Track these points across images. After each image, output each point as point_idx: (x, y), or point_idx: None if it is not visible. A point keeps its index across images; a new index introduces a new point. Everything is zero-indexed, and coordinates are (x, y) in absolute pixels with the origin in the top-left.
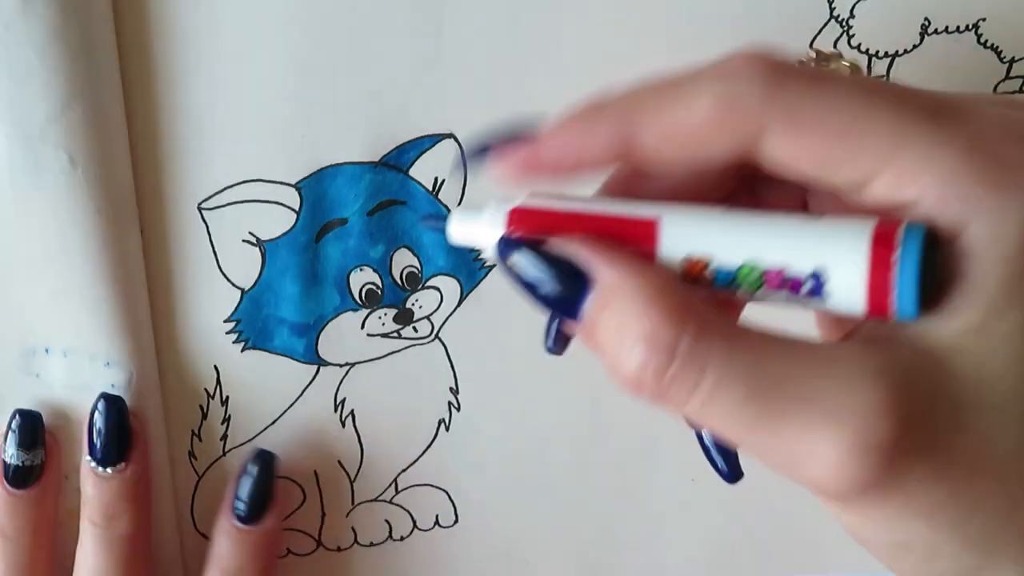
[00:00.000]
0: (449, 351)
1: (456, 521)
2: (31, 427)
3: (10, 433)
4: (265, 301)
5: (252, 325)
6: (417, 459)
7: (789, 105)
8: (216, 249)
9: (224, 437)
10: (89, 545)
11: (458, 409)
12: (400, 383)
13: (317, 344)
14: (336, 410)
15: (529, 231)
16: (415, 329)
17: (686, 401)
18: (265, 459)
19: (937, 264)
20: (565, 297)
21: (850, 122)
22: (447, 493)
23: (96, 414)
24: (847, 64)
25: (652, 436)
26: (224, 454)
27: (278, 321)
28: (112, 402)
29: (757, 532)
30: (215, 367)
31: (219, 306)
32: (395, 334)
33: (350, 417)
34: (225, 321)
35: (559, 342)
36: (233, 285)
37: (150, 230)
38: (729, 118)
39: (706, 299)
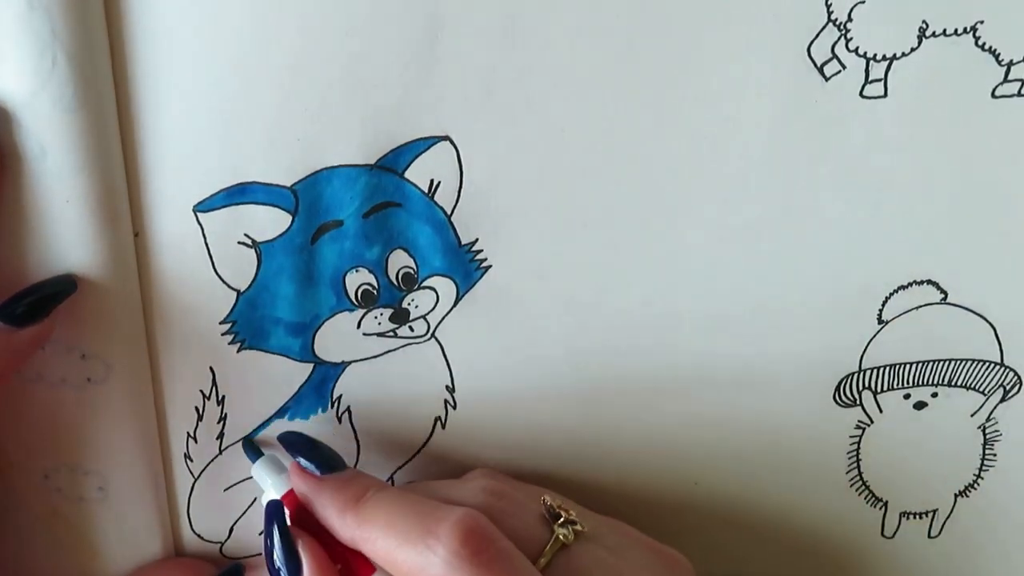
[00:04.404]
0: (445, 350)
1: None
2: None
3: None
4: (261, 302)
5: (248, 326)
6: (413, 457)
7: None
8: (211, 251)
9: (220, 436)
10: None
11: (454, 407)
12: (396, 381)
13: (313, 343)
14: (332, 407)
15: (291, 508)
16: (411, 328)
17: None
18: None
19: None
20: (277, 568)
21: None
22: None
23: None
24: (573, 529)
25: (652, 438)
26: (220, 452)
27: (274, 321)
28: None
29: (757, 536)
30: (211, 368)
31: (215, 308)
32: (391, 333)
33: (346, 414)
34: (221, 323)
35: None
36: (229, 287)
37: (144, 232)
38: None
39: None
